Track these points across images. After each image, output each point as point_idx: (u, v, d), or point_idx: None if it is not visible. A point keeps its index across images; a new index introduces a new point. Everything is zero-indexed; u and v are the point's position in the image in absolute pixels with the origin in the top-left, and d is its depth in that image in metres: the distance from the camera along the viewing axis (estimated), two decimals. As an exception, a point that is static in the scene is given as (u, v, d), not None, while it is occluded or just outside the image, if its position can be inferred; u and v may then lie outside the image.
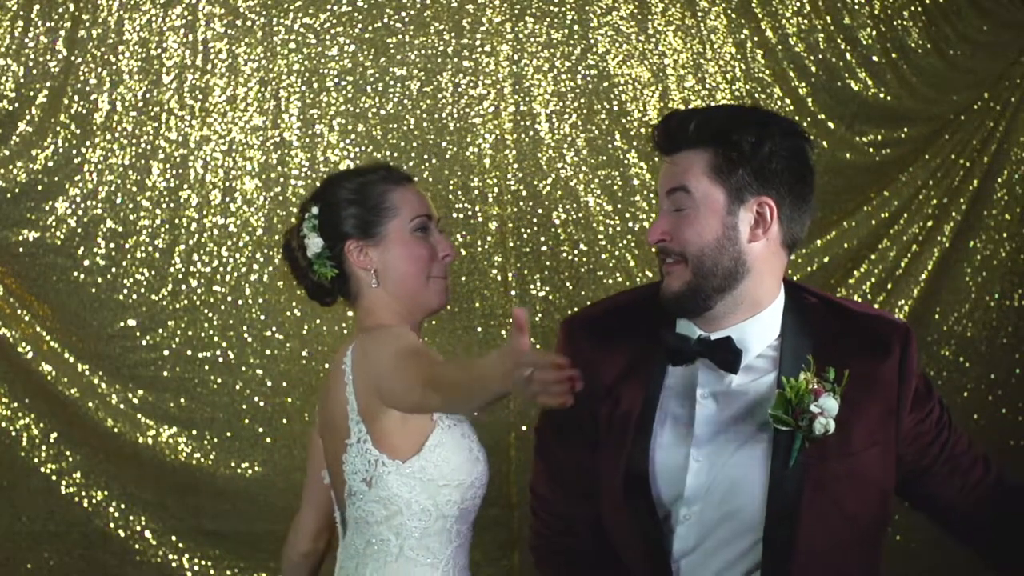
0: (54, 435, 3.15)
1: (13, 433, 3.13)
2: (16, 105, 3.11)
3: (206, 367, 3.21)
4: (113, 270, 3.16)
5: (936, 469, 1.89)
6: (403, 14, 3.25)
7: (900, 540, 3.43)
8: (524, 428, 3.30)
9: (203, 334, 3.20)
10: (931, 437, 1.88)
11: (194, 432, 3.21)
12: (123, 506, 3.18)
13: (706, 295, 1.80)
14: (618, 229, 3.35)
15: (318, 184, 3.16)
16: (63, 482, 3.15)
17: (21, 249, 3.12)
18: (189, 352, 3.20)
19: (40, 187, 3.13)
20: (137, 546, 3.18)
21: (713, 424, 1.83)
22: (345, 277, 2.14)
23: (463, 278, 3.27)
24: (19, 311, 3.12)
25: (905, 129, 3.43)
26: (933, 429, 1.88)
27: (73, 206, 3.14)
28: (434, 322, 3.21)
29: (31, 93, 3.12)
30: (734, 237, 1.77)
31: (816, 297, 1.92)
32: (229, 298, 3.20)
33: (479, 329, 3.27)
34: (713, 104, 3.35)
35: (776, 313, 1.84)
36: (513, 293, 3.30)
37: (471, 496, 2.08)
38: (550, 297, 3.32)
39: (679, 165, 1.81)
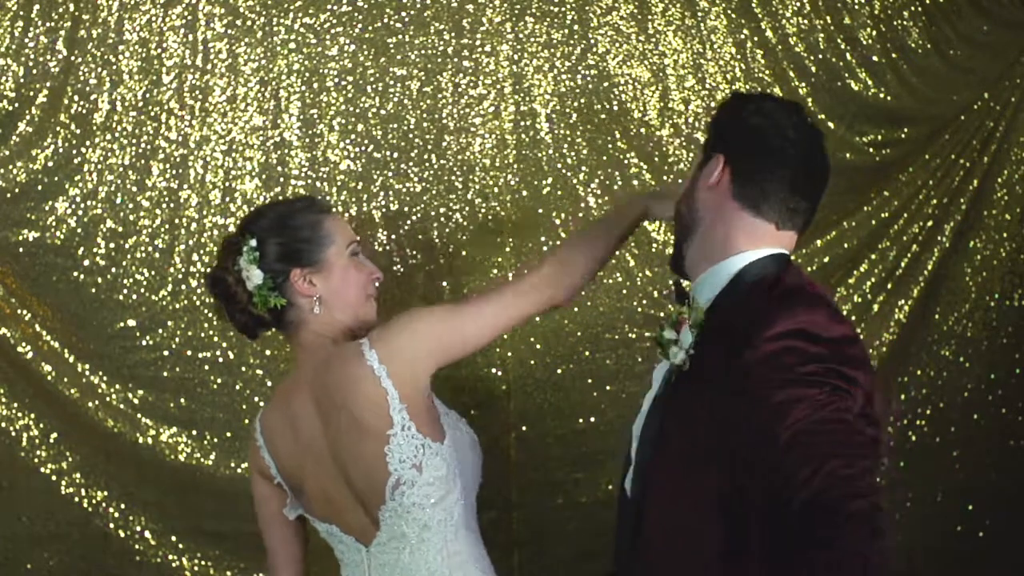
0: (54, 435, 3.14)
1: (13, 433, 3.12)
2: (16, 105, 3.10)
3: (206, 367, 3.20)
4: (113, 270, 3.15)
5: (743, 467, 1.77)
6: (403, 14, 3.25)
7: (900, 540, 3.43)
8: (524, 428, 3.30)
9: (203, 334, 3.19)
10: (739, 423, 1.77)
11: (194, 432, 3.20)
12: (123, 506, 3.18)
13: (678, 243, 2.06)
14: (618, 229, 3.34)
15: (318, 184, 3.20)
16: (63, 482, 3.15)
17: (21, 249, 3.11)
18: (189, 352, 3.19)
19: (40, 187, 3.12)
20: (137, 546, 3.18)
21: (661, 369, 2.01)
22: (287, 304, 2.23)
23: (463, 278, 3.27)
24: (19, 311, 3.12)
25: (905, 129, 3.42)
26: (745, 424, 1.76)
27: (73, 206, 3.14)
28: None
29: (31, 93, 3.11)
30: (695, 187, 2.02)
31: (792, 285, 1.94)
32: (229, 298, 3.20)
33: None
34: (715, 103, 3.36)
35: (726, 272, 1.95)
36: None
37: (480, 476, 2.24)
38: (550, 297, 3.31)
39: None
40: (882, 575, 1.61)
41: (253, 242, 2.22)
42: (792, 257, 2.00)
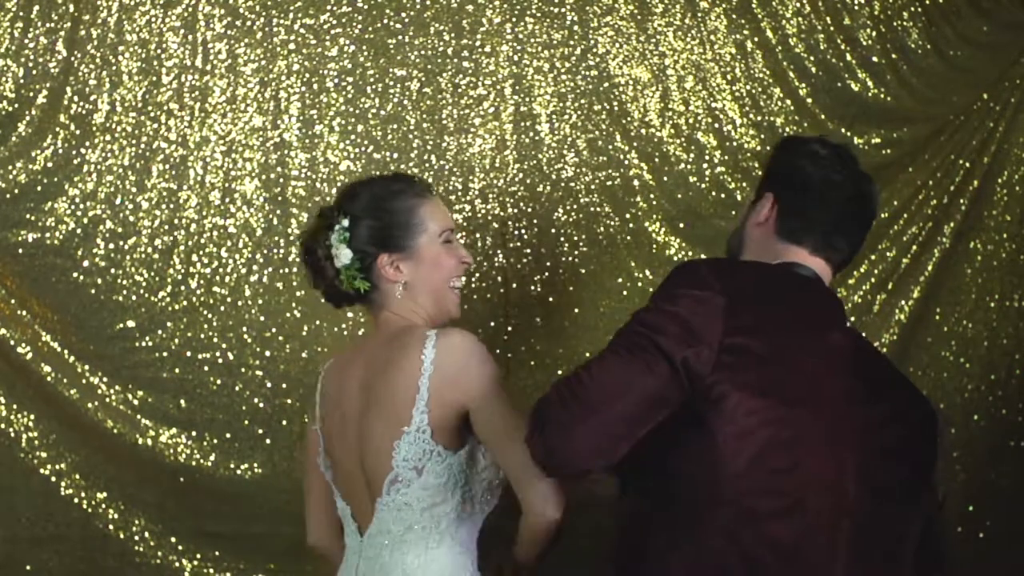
0: (53, 436, 3.13)
1: (12, 434, 3.12)
2: (16, 106, 3.10)
3: (206, 368, 3.20)
4: (112, 271, 3.15)
5: None
6: (403, 15, 3.25)
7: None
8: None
9: (203, 335, 3.19)
10: None
11: (194, 433, 3.20)
12: (123, 507, 3.17)
13: None
14: (618, 230, 3.34)
15: (318, 185, 3.20)
16: (62, 483, 3.14)
17: (21, 250, 3.11)
18: (189, 353, 3.19)
19: (39, 188, 3.12)
20: (137, 547, 3.17)
21: None
22: (371, 288, 2.22)
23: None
24: (18, 312, 3.11)
25: (905, 130, 3.42)
26: None
27: (73, 207, 3.13)
28: (434, 323, 3.20)
29: (31, 94, 3.11)
30: (745, 223, 2.18)
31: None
32: (229, 299, 3.20)
33: (480, 331, 3.27)
34: (716, 104, 3.36)
35: None
36: (514, 285, 3.29)
37: (495, 494, 2.19)
38: (550, 299, 3.32)
39: None
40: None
41: (345, 221, 2.21)
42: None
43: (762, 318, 1.93)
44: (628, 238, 3.35)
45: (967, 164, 3.42)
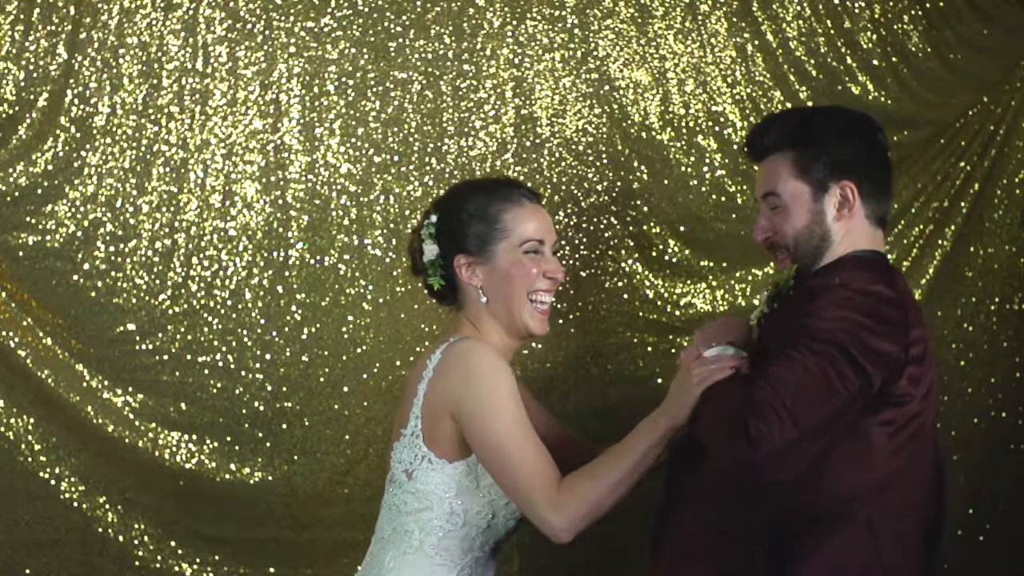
0: (53, 439, 3.13)
1: (12, 437, 3.11)
2: (16, 108, 3.10)
3: (206, 371, 3.19)
4: (113, 274, 3.15)
5: None
6: (404, 17, 3.25)
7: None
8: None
9: (203, 338, 3.19)
10: None
11: (194, 437, 3.19)
12: (122, 511, 3.17)
13: (806, 268, 2.11)
14: (619, 233, 3.34)
15: (319, 188, 3.20)
16: (62, 487, 3.14)
17: (21, 253, 3.11)
18: (189, 356, 3.19)
19: (40, 191, 3.12)
20: (136, 551, 3.17)
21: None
22: (454, 287, 2.21)
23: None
24: (19, 315, 3.11)
25: (905, 133, 3.41)
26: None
27: (73, 209, 3.13)
28: (435, 326, 3.20)
29: (31, 96, 3.11)
30: (821, 220, 2.09)
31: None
32: (229, 302, 3.19)
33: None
34: (717, 109, 3.36)
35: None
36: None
37: (504, 516, 2.13)
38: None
39: (768, 171, 2.13)
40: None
41: (434, 217, 2.22)
42: None
43: (918, 322, 2.00)
44: (629, 241, 3.34)
45: (968, 167, 3.42)
